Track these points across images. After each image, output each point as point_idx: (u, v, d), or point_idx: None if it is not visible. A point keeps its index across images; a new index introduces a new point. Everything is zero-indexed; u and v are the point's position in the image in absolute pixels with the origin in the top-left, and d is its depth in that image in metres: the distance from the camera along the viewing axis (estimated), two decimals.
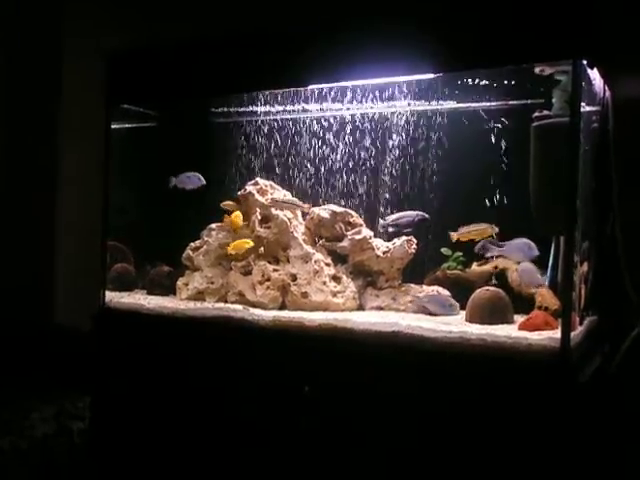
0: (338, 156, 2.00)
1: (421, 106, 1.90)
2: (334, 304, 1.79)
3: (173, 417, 1.80)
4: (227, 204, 2.02)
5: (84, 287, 2.51)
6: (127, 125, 2.18)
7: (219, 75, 1.84)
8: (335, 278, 1.85)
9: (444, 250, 1.85)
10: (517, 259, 1.65)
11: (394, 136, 1.91)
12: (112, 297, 2.05)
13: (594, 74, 1.58)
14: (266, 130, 2.09)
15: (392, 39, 1.57)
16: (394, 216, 1.83)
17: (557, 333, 1.41)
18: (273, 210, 1.93)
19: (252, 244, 1.90)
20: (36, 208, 2.81)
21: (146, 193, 2.25)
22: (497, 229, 1.68)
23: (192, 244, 2.09)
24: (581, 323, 1.60)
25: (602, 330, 1.75)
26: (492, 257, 1.74)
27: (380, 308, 1.80)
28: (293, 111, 2.03)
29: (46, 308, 2.77)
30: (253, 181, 2.03)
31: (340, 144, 1.99)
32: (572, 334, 1.41)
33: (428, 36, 1.52)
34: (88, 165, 2.54)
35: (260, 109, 2.06)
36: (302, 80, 1.74)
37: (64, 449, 2.18)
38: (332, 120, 2.00)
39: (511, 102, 1.77)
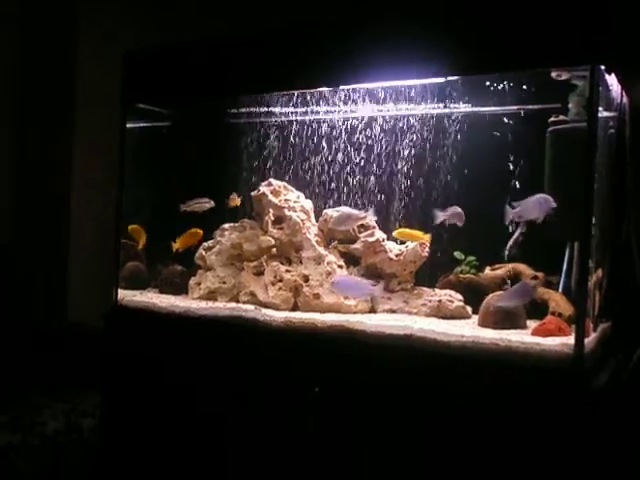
0: (352, 159, 2.00)
1: (435, 109, 1.90)
2: (346, 306, 1.79)
3: (182, 416, 1.81)
4: None
5: (97, 286, 2.55)
6: (143, 124, 2.19)
7: (234, 75, 1.85)
8: None
9: (457, 254, 1.85)
10: (534, 217, 1.60)
11: (407, 139, 1.92)
12: (124, 295, 2.06)
13: (611, 79, 1.57)
14: (281, 131, 2.10)
15: (407, 41, 1.58)
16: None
17: (570, 339, 1.40)
18: (286, 211, 1.94)
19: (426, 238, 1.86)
20: (50, 206, 2.84)
21: (160, 192, 2.25)
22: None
23: (205, 244, 2.10)
24: (595, 329, 1.60)
25: (617, 336, 1.74)
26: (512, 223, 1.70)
27: (392, 311, 1.80)
28: (306, 113, 2.03)
29: (60, 306, 2.79)
30: (266, 182, 2.04)
31: (353, 147, 1.99)
32: (586, 340, 1.41)
33: (446, 38, 1.53)
34: (103, 163, 2.56)
35: (276, 110, 2.07)
36: (314, 82, 1.74)
37: (74, 446, 2.20)
38: (346, 122, 2.01)
39: (528, 107, 1.77)
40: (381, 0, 1.70)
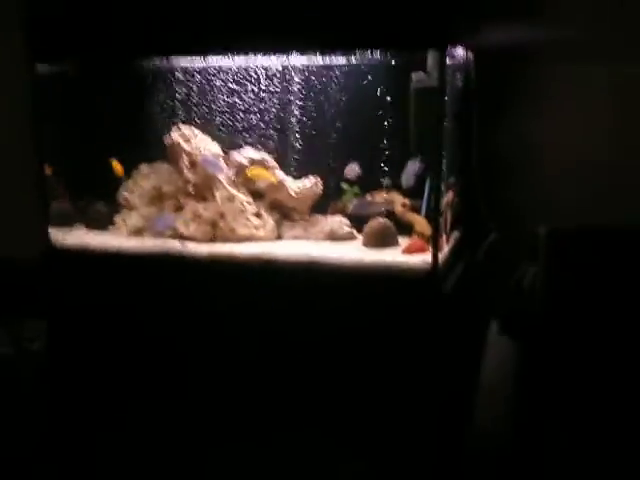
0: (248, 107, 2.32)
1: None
2: (257, 236, 2.19)
3: (121, 341, 2.17)
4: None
5: (19, 221, 2.77)
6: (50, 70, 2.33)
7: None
8: (256, 214, 2.23)
9: (344, 185, 2.27)
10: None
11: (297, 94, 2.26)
12: (55, 234, 2.31)
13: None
14: (186, 82, 2.35)
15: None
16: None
17: (429, 255, 1.91)
18: (199, 157, 2.25)
19: (273, 179, 2.23)
20: None
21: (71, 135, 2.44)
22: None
23: (125, 185, 2.38)
24: (448, 241, 2.12)
25: (465, 242, 2.29)
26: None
27: (296, 237, 2.22)
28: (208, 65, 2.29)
29: None
30: (176, 128, 2.31)
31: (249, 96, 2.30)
32: (440, 255, 1.91)
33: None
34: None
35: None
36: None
37: (26, 366, 2.51)
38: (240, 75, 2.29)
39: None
40: None
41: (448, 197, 2.11)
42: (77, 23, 2.12)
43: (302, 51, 2.03)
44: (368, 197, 2.23)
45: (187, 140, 2.29)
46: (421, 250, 1.98)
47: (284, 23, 1.90)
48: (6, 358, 2.47)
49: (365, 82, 2.20)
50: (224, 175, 2.23)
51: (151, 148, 2.37)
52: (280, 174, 2.27)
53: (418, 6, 1.77)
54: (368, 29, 1.84)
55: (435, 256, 1.87)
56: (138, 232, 2.31)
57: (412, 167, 2.07)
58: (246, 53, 2.05)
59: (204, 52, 2.09)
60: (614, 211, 2.14)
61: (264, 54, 2.08)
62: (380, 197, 2.21)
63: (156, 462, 2.12)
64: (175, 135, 2.29)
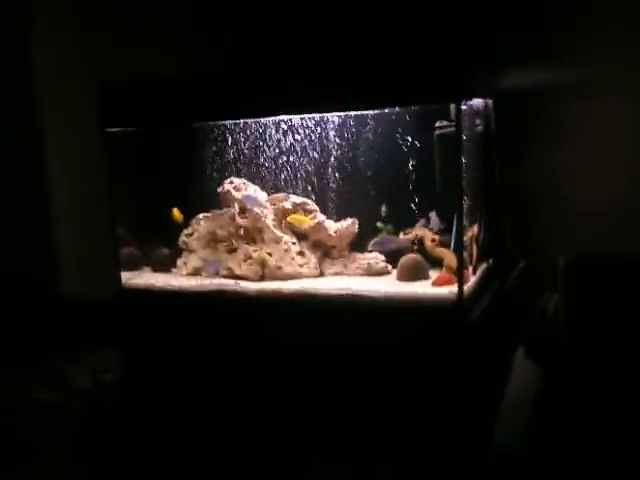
0: (296, 159, 2.58)
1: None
2: (302, 273, 2.44)
3: (189, 377, 2.44)
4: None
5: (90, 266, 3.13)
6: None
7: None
8: (300, 253, 2.48)
9: (379, 224, 2.49)
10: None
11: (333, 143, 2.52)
12: (126, 277, 2.62)
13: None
14: (237, 139, 2.64)
15: None
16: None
17: (455, 287, 2.10)
18: (248, 205, 2.52)
19: (311, 222, 2.50)
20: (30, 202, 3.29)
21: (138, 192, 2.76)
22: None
23: (185, 231, 2.68)
24: (474, 272, 2.30)
25: (492, 273, 2.46)
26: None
27: (336, 273, 2.46)
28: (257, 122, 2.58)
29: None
30: (228, 180, 2.60)
31: (295, 149, 2.57)
32: (465, 286, 2.10)
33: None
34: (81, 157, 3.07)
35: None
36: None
37: (103, 400, 2.79)
38: (288, 129, 2.56)
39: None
40: None
41: (473, 231, 2.30)
42: (143, 92, 2.46)
43: (337, 110, 2.33)
44: (401, 235, 2.45)
45: (238, 189, 2.57)
46: (449, 282, 2.17)
47: (324, 88, 2.18)
48: (83, 389, 2.77)
49: (394, 130, 2.42)
50: (260, 209, 2.51)
51: (207, 198, 2.66)
52: (320, 216, 2.51)
53: (435, 65, 2.01)
54: (394, 88, 2.08)
55: (460, 287, 2.06)
56: (197, 272, 2.59)
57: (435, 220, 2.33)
58: (290, 113, 2.36)
59: (250, 116, 2.42)
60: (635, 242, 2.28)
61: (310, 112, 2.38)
62: (411, 234, 2.42)
63: None
64: (227, 185, 2.58)
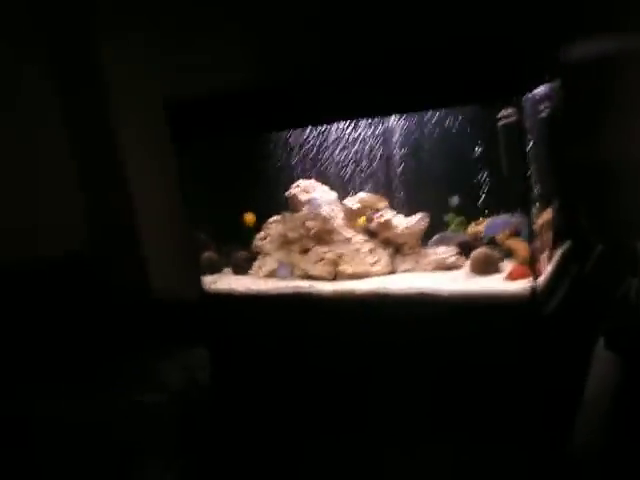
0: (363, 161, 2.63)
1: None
2: (373, 272, 2.47)
3: (269, 368, 2.57)
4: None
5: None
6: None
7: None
8: (371, 251, 2.51)
9: (449, 216, 2.48)
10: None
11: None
12: (208, 281, 2.76)
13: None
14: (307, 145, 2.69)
15: None
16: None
17: (529, 281, 2.07)
18: (312, 207, 2.58)
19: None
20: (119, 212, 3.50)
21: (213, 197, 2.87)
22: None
23: (258, 235, 2.77)
24: (550, 260, 2.25)
25: (572, 255, 2.40)
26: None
27: (407, 270, 2.48)
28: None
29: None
30: (295, 184, 2.66)
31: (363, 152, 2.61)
32: (540, 278, 2.07)
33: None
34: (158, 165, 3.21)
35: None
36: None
37: (198, 399, 2.94)
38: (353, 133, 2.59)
39: None
40: None
41: (546, 217, 2.25)
42: (213, 106, 2.54)
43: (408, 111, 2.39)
44: (473, 224, 2.43)
45: (306, 192, 2.63)
46: (523, 276, 2.14)
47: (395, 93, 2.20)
48: (177, 385, 2.95)
49: (460, 122, 2.39)
50: (330, 208, 2.56)
51: (279, 201, 2.74)
52: (390, 213, 2.53)
53: (495, 64, 1.98)
54: (457, 89, 2.07)
55: (534, 282, 2.04)
56: (272, 274, 2.68)
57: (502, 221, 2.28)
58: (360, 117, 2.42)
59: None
60: None
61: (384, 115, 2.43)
62: (480, 226, 2.40)
63: None
64: (294, 189, 2.64)
